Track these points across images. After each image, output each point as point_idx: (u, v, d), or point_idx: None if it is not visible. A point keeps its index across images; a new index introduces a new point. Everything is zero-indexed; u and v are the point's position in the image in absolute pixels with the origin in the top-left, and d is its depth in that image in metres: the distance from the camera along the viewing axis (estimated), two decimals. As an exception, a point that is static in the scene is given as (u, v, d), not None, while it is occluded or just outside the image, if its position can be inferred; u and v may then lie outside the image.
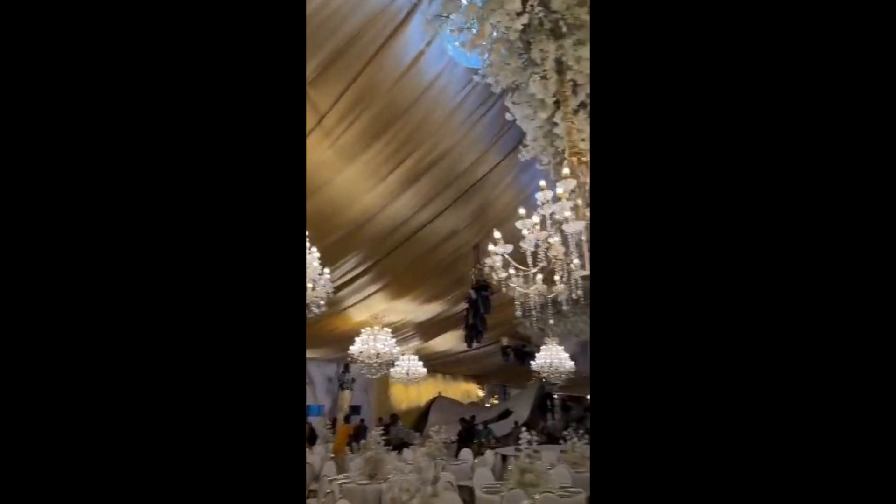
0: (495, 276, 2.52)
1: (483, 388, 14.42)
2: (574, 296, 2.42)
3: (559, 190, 2.23)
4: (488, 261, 2.44)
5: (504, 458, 6.26)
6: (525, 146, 3.66)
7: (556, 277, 2.55)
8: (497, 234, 2.46)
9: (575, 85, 2.83)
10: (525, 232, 2.40)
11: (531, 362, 8.40)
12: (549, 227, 2.36)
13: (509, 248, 2.45)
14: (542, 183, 2.38)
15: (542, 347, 8.24)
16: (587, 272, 2.34)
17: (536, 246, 2.35)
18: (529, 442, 3.93)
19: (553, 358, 8.00)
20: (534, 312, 2.54)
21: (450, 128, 4.49)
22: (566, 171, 2.34)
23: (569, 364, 8.10)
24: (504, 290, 2.56)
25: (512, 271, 2.60)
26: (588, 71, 2.68)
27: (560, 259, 2.30)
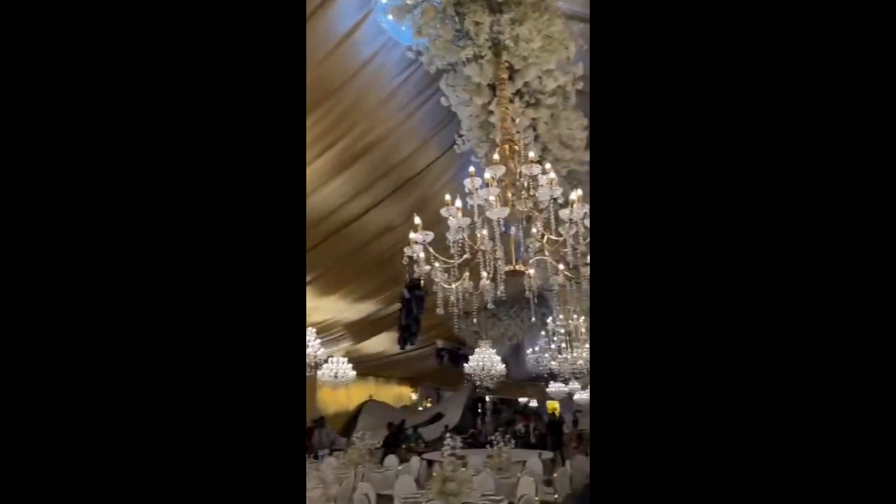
0: (417, 270, 2.28)
1: (416, 392, 14.16)
2: (499, 293, 2.24)
3: (487, 175, 2.04)
4: (407, 250, 2.20)
5: (430, 463, 6.05)
6: (461, 136, 3.47)
7: (483, 273, 2.37)
8: (417, 220, 2.22)
9: (512, 70, 2.68)
10: (451, 221, 2.19)
11: (464, 365, 8.30)
12: (477, 217, 2.17)
13: (430, 235, 2.23)
14: (472, 169, 2.19)
15: (476, 350, 8.18)
16: (512, 267, 2.18)
17: (461, 238, 2.15)
18: (454, 448, 3.80)
19: (485, 361, 7.95)
20: (455, 310, 2.33)
21: (386, 113, 4.20)
22: (496, 157, 2.17)
23: (500, 367, 8.09)
24: (423, 283, 2.33)
25: (437, 265, 2.39)
26: (525, 54, 2.55)
27: (486, 251, 2.11)
